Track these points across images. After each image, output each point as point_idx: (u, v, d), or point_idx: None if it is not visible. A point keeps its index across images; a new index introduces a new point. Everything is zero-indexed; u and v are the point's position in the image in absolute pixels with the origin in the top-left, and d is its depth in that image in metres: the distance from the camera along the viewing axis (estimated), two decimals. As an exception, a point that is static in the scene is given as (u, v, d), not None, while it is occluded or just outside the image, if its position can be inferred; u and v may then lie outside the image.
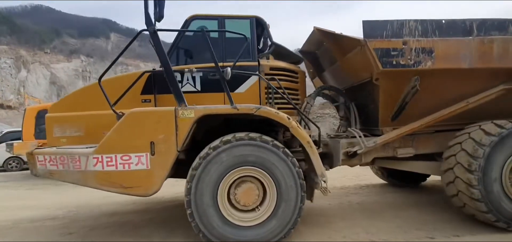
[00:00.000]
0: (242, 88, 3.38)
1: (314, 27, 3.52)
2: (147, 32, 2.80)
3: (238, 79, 3.33)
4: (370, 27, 2.94)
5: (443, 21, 3.00)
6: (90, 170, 2.68)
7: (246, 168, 2.69)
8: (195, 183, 2.63)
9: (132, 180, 2.66)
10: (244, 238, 2.69)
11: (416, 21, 2.96)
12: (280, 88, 3.38)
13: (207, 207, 2.64)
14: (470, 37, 2.97)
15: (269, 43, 3.73)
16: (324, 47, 3.90)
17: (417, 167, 3.72)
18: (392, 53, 2.89)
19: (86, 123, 3.20)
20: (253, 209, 2.80)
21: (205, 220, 2.64)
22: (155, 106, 3.30)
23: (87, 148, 2.81)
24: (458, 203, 3.15)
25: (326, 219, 3.63)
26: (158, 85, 3.31)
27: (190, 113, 2.67)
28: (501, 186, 2.89)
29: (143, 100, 3.34)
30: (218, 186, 2.66)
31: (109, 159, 2.65)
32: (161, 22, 2.72)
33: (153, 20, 2.71)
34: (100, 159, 2.65)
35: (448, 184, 3.19)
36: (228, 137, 2.69)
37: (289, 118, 2.79)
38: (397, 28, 2.95)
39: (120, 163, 2.64)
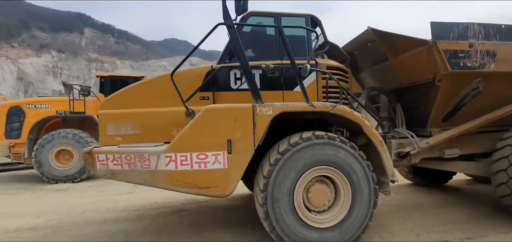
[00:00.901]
0: (298, 88, 3.33)
1: (368, 27, 3.52)
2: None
3: (292, 80, 3.28)
4: (438, 28, 2.98)
5: (503, 26, 3.10)
6: (161, 170, 2.54)
7: (323, 168, 2.65)
8: (273, 178, 2.55)
9: (208, 180, 2.54)
10: (318, 239, 2.64)
11: (479, 24, 3.04)
12: (338, 87, 3.36)
13: (283, 205, 2.57)
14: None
15: (322, 41, 3.70)
16: (368, 47, 3.92)
17: (462, 167, 3.83)
18: (460, 55, 2.95)
19: (143, 121, 3.05)
20: (323, 210, 2.76)
21: (281, 220, 2.57)
22: (214, 104, 3.19)
23: (155, 146, 2.67)
24: (509, 202, 3.25)
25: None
26: (216, 82, 3.20)
27: (268, 110, 2.60)
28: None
29: (201, 98, 3.21)
30: (295, 184, 2.60)
31: (183, 158, 2.52)
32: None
33: (234, 13, 2.61)
34: (173, 158, 2.52)
35: (500, 185, 3.29)
36: (308, 134, 2.64)
37: (363, 118, 2.78)
38: (463, 30, 3.02)
39: (195, 162, 2.52)
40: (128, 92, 3.27)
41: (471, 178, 5.62)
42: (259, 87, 3.25)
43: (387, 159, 2.82)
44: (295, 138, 2.63)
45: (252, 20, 3.37)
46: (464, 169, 3.83)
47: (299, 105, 2.73)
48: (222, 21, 2.66)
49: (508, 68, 3.03)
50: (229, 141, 2.54)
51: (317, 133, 2.65)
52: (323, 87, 3.36)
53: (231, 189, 2.58)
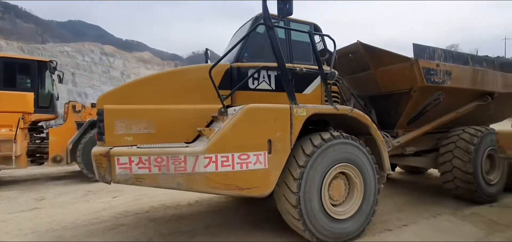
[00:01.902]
0: (308, 90, 3.55)
1: (357, 40, 4.03)
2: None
3: (305, 81, 3.49)
4: (417, 49, 3.68)
5: (454, 52, 4.03)
6: (199, 172, 2.38)
7: (343, 165, 2.93)
8: (305, 179, 2.69)
9: (250, 180, 2.51)
10: (342, 230, 2.92)
11: (441, 49, 3.89)
12: (338, 92, 3.73)
13: (314, 203, 2.75)
14: (468, 67, 4.12)
15: (322, 48, 4.00)
16: (348, 57, 4.46)
17: (415, 162, 4.75)
18: (431, 72, 3.70)
19: (159, 119, 2.73)
20: (340, 203, 3.05)
21: (313, 217, 2.74)
22: (232, 103, 3.10)
23: (188, 146, 2.46)
24: (452, 186, 4.24)
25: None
26: (235, 80, 3.12)
27: (303, 112, 2.73)
28: (481, 170, 4.10)
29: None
30: (323, 182, 2.80)
31: (224, 159, 2.42)
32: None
33: (277, 15, 2.62)
34: (213, 159, 2.39)
35: (445, 173, 4.26)
36: (327, 135, 2.87)
37: (371, 120, 3.20)
38: (431, 53, 3.80)
39: (237, 163, 2.45)
40: (137, 86, 2.88)
41: (403, 170, 6.92)
42: (274, 88, 3.36)
43: (386, 156, 3.32)
44: (327, 134, 2.82)
45: (265, 21, 3.41)
46: (416, 162, 4.78)
47: (326, 108, 2.95)
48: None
49: (457, 85, 3.96)
50: (269, 141, 2.57)
51: (335, 133, 2.92)
52: (325, 90, 3.67)
53: (270, 189, 2.60)
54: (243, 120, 2.49)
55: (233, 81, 3.11)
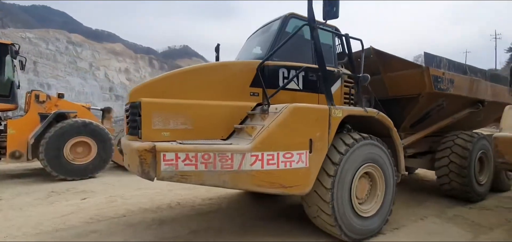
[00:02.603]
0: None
1: (370, 46, 4.22)
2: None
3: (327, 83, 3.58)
4: (428, 58, 3.94)
5: (455, 62, 4.38)
6: (245, 170, 2.36)
7: (369, 165, 3.07)
8: (338, 176, 2.78)
9: (292, 179, 2.54)
10: (367, 227, 3.06)
11: (446, 59, 4.20)
12: (357, 93, 3.86)
13: (345, 200, 2.85)
14: (467, 76, 4.49)
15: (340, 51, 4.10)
16: (359, 62, 4.65)
17: (415, 163, 5.08)
18: (438, 79, 3.98)
19: (197, 115, 2.66)
20: (364, 202, 3.19)
21: (343, 214, 2.84)
22: (265, 101, 3.10)
23: (233, 144, 2.43)
24: (448, 187, 4.59)
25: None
26: (267, 79, 3.13)
27: (340, 113, 2.82)
28: (474, 172, 4.48)
29: (251, 93, 3.08)
30: (352, 180, 2.91)
31: (270, 157, 2.43)
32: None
33: (322, 17, 2.67)
34: (259, 157, 2.39)
35: (442, 174, 4.60)
36: (357, 135, 2.99)
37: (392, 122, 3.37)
38: (438, 61, 4.10)
39: (282, 162, 2.48)
40: (173, 79, 2.77)
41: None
42: (301, 88, 3.40)
43: (402, 158, 3.52)
44: (349, 139, 2.93)
45: (293, 22, 3.45)
46: (414, 164, 5.11)
47: (358, 110, 3.06)
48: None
49: (458, 92, 4.30)
50: (311, 140, 2.61)
51: (363, 134, 3.05)
52: (345, 93, 3.79)
53: (310, 187, 2.65)
54: (289, 119, 2.51)
55: (264, 79, 3.11)
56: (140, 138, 2.46)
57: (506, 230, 3.43)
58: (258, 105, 3.01)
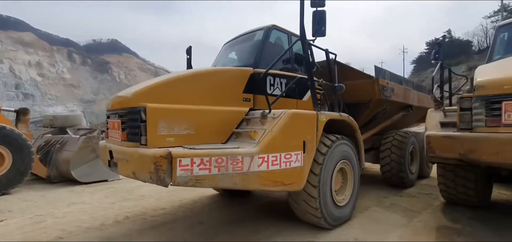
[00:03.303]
0: (305, 97, 4.05)
1: (332, 58, 4.83)
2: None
3: (303, 90, 3.99)
4: (377, 70, 4.73)
5: (394, 74, 5.33)
6: (253, 171, 2.56)
7: (343, 161, 3.58)
8: (322, 175, 3.19)
9: (291, 177, 2.83)
10: (342, 214, 3.55)
11: (389, 72, 5.09)
12: (325, 98, 4.37)
13: (327, 194, 3.27)
14: (402, 86, 5.51)
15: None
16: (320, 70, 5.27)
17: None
18: (384, 88, 4.81)
19: (199, 120, 2.72)
20: (337, 193, 3.68)
21: (325, 205, 3.25)
22: (254, 106, 3.32)
23: (236, 147, 2.59)
24: (389, 175, 5.54)
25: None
26: (257, 86, 3.35)
27: (324, 117, 3.24)
28: (407, 163, 5.54)
29: (244, 99, 3.26)
30: (332, 175, 3.36)
31: (274, 158, 2.68)
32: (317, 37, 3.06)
33: (312, 34, 3.01)
34: (265, 159, 2.62)
35: (384, 165, 5.54)
36: (333, 137, 3.47)
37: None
38: (383, 73, 4.95)
39: (283, 162, 2.74)
40: (175, 84, 2.75)
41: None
42: (284, 94, 3.72)
43: (363, 154, 4.16)
44: (328, 141, 3.37)
45: (274, 33, 3.76)
46: (367, 159, 5.98)
47: (335, 114, 3.52)
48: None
49: (397, 99, 5.26)
50: (304, 142, 2.95)
51: (337, 136, 3.54)
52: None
53: (303, 184, 2.98)
54: (288, 123, 2.78)
55: (255, 85, 3.33)
56: (145, 145, 2.41)
57: (431, 212, 4.09)
58: (250, 110, 3.21)
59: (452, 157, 2.99)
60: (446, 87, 4.93)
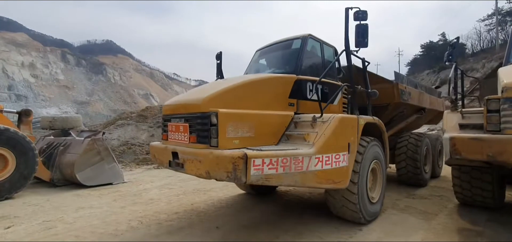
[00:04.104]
0: (335, 102, 4.35)
1: (353, 64, 5.16)
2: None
3: (334, 94, 4.30)
4: (396, 76, 5.08)
5: (410, 79, 5.70)
6: (311, 170, 2.86)
7: (375, 161, 3.90)
8: (360, 172, 3.49)
9: (339, 175, 3.13)
10: (375, 210, 3.85)
11: (406, 77, 5.45)
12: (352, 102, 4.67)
13: (364, 190, 3.58)
14: (417, 90, 5.88)
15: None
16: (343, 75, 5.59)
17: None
18: (403, 92, 5.17)
19: (258, 123, 3.02)
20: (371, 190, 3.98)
21: (363, 201, 3.56)
22: (297, 111, 3.62)
23: (296, 149, 2.88)
24: (405, 176, 5.89)
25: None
26: (300, 91, 3.65)
27: (363, 121, 3.55)
28: (422, 163, 5.89)
29: (289, 104, 3.55)
30: (367, 173, 3.66)
31: (327, 158, 2.98)
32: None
33: (355, 45, 3.33)
34: (320, 159, 2.92)
35: (400, 165, 5.89)
36: (371, 137, 3.78)
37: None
38: (402, 78, 5.31)
39: (334, 162, 3.05)
40: (239, 91, 3.04)
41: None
42: (320, 99, 4.01)
43: (388, 154, 4.48)
44: (364, 142, 3.67)
45: (310, 42, 4.06)
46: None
47: (370, 118, 3.83)
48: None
49: (413, 102, 5.62)
50: (349, 144, 3.26)
51: (371, 137, 3.85)
52: (344, 103, 4.53)
53: (349, 181, 3.28)
54: (337, 126, 3.09)
55: (298, 91, 3.63)
56: (215, 147, 2.69)
57: (447, 214, 4.12)
58: (295, 113, 3.51)
59: (479, 159, 3.02)
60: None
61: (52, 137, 7.46)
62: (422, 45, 46.12)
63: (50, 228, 3.70)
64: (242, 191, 5.42)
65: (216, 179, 2.64)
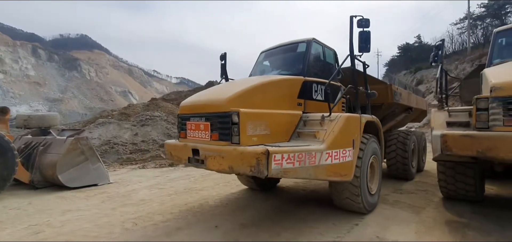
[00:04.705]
0: (336, 102, 4.62)
1: (350, 66, 5.48)
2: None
3: (335, 94, 4.57)
4: (388, 78, 5.45)
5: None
6: (322, 164, 3.10)
7: (373, 156, 4.21)
8: (362, 167, 3.78)
9: (345, 169, 3.39)
10: (373, 201, 4.17)
11: (397, 79, 5.85)
12: (347, 101, 4.98)
13: (365, 183, 3.88)
14: (406, 90, 6.31)
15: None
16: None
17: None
18: (395, 93, 5.56)
19: (273, 122, 3.22)
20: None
21: (364, 193, 3.86)
22: (304, 110, 3.84)
23: (306, 145, 3.10)
24: (395, 169, 6.30)
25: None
26: (307, 92, 3.88)
27: (364, 120, 3.84)
28: (410, 158, 6.34)
29: (298, 104, 3.77)
30: (367, 165, 3.94)
31: (336, 154, 3.23)
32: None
33: (358, 50, 3.61)
34: (330, 154, 3.16)
35: (391, 160, 6.30)
36: (370, 134, 4.08)
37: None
38: (394, 80, 5.69)
39: (341, 156, 3.30)
40: (256, 92, 3.21)
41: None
42: (323, 99, 4.27)
43: (383, 148, 4.82)
44: (364, 139, 3.96)
45: (314, 45, 4.30)
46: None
47: (370, 117, 4.13)
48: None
49: (403, 102, 6.03)
50: (353, 140, 3.53)
51: (370, 134, 4.16)
52: (342, 103, 4.82)
53: (352, 176, 3.55)
54: (344, 125, 3.35)
55: (305, 91, 3.86)
56: (237, 144, 2.85)
57: (434, 208, 4.30)
58: (303, 113, 3.73)
59: (469, 154, 3.16)
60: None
61: (30, 136, 7.09)
62: (399, 46, 48.24)
63: (37, 233, 3.49)
64: (234, 190, 5.46)
65: (239, 174, 2.81)
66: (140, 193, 5.43)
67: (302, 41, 4.33)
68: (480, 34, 35.32)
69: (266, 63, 4.72)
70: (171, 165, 8.75)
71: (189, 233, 3.38)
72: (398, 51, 48.65)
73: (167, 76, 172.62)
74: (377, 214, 4.01)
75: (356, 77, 3.94)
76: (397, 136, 6.29)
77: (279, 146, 2.88)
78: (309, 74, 4.07)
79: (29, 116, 7.66)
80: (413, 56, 41.57)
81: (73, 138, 5.91)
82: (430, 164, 7.35)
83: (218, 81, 5.09)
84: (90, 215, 4.12)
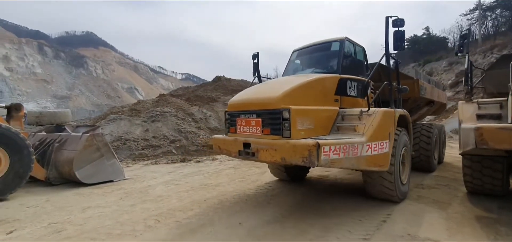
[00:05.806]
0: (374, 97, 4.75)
1: (379, 62, 5.63)
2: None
3: (364, 90, 4.73)
4: (415, 72, 5.60)
5: (425, 75, 6.25)
6: (363, 155, 3.31)
7: (405, 148, 4.38)
8: (396, 158, 3.97)
9: (382, 160, 3.59)
10: (405, 190, 4.36)
11: (423, 73, 5.99)
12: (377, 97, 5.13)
13: (397, 174, 4.07)
14: (430, 84, 6.44)
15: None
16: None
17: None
18: (421, 87, 5.70)
19: (316, 117, 3.43)
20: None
21: (397, 183, 4.05)
22: (341, 105, 4.03)
23: (354, 138, 3.30)
24: (418, 161, 6.44)
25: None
26: (343, 89, 4.08)
27: (398, 114, 4.01)
28: (433, 150, 6.48)
29: (335, 100, 3.97)
30: (400, 156, 4.13)
31: (375, 146, 3.43)
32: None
33: (393, 48, 3.78)
34: (370, 146, 3.37)
35: (414, 151, 6.44)
36: (401, 128, 4.25)
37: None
38: (420, 75, 5.84)
39: (380, 148, 3.50)
40: (301, 90, 3.44)
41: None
42: (356, 95, 4.43)
43: (411, 140, 4.97)
44: (397, 131, 4.14)
45: (346, 44, 4.46)
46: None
47: (402, 111, 4.29)
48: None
49: (427, 96, 6.17)
50: (389, 133, 3.72)
51: (401, 128, 4.33)
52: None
53: (388, 166, 3.74)
54: (382, 119, 3.54)
55: (341, 88, 4.05)
56: (288, 137, 3.08)
57: (460, 203, 4.20)
58: (340, 108, 3.93)
59: (506, 148, 3.08)
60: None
61: (44, 133, 7.07)
62: (407, 39, 47.70)
63: (60, 231, 3.39)
64: (251, 186, 5.39)
65: (290, 164, 3.03)
66: (156, 189, 5.35)
67: (335, 40, 4.49)
68: (489, 25, 34.82)
69: (298, 61, 4.90)
70: (183, 160, 8.88)
71: (213, 231, 3.29)
72: (406, 44, 48.05)
73: (173, 72, 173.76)
74: (403, 210, 3.89)
75: (391, 74, 4.10)
76: (420, 129, 6.43)
77: (326, 139, 3.08)
78: (343, 71, 4.25)
79: (41, 113, 7.66)
80: (421, 48, 41.08)
81: (88, 134, 5.84)
82: (448, 158, 7.41)
83: (252, 80, 5.29)
84: (111, 212, 4.04)
